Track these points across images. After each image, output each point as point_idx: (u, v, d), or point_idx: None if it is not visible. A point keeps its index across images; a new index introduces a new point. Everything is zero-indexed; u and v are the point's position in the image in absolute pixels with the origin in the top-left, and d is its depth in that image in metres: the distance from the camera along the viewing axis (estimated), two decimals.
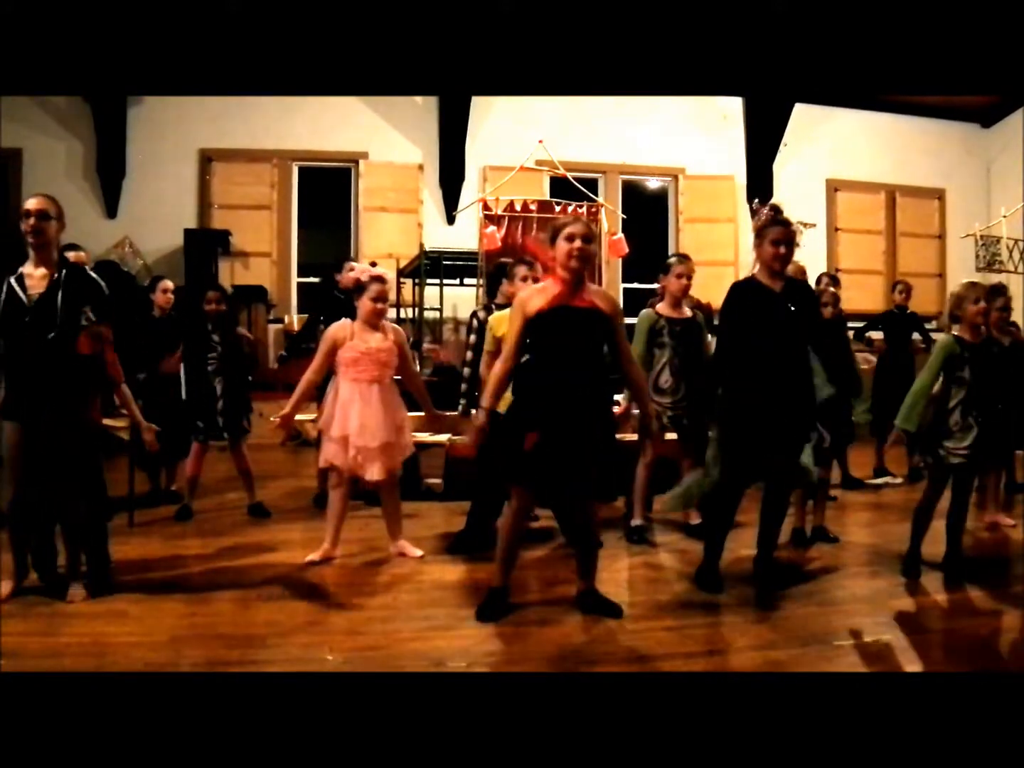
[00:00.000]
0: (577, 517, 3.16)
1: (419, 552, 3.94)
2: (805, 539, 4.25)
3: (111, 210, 9.23)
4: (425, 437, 5.26)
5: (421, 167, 9.83)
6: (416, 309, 8.89)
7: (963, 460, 3.51)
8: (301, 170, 9.88)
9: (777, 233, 3.26)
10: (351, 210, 9.93)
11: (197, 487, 4.82)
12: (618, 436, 3.30)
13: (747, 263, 3.52)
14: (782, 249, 3.25)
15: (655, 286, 4.38)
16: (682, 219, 10.37)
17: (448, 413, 4.41)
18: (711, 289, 5.57)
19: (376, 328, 3.86)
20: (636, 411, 3.40)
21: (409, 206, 9.79)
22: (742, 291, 3.31)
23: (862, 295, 9.40)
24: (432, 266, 8.31)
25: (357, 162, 9.80)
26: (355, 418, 3.71)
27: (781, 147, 10.30)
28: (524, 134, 8.81)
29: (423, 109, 9.83)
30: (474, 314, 4.50)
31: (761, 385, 3.21)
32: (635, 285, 9.95)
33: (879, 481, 6.13)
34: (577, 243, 2.90)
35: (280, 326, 9.40)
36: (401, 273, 8.93)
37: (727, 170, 10.31)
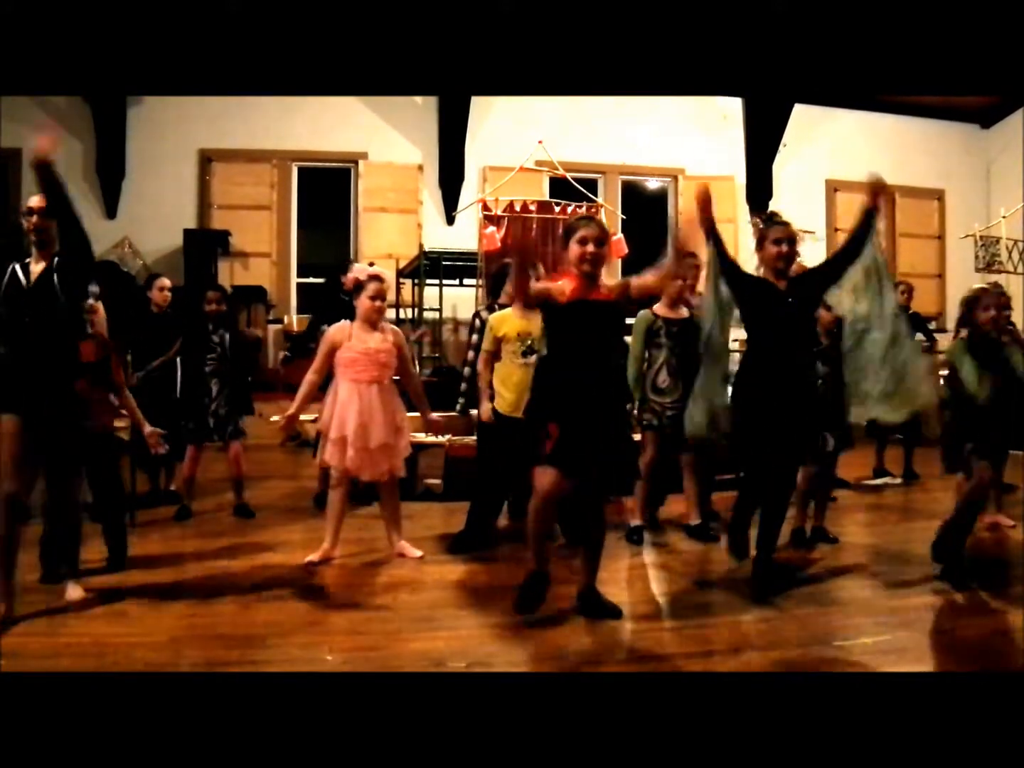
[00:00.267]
0: (590, 512, 3.15)
1: (419, 553, 3.94)
2: (805, 539, 4.25)
3: (111, 210, 9.24)
4: (424, 437, 5.27)
5: (421, 167, 9.84)
6: (416, 310, 8.89)
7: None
8: (301, 170, 9.89)
9: (778, 232, 3.28)
10: (351, 210, 9.94)
11: (194, 487, 4.81)
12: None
13: (746, 263, 3.52)
14: (784, 247, 3.27)
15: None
16: (682, 219, 10.36)
17: (447, 414, 4.42)
18: None
19: (375, 328, 3.86)
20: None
21: (409, 206, 9.79)
22: (750, 285, 3.33)
23: None
24: (432, 266, 8.31)
25: (357, 162, 9.80)
26: (353, 419, 3.71)
27: (781, 147, 10.31)
28: (524, 134, 8.82)
29: (423, 109, 9.83)
30: (477, 314, 4.51)
31: (764, 383, 3.23)
32: None
33: (878, 481, 6.13)
34: (590, 247, 2.91)
35: (280, 326, 9.40)
36: (401, 273, 8.93)
37: (727, 170, 10.31)
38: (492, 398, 4.03)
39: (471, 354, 4.36)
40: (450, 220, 9.75)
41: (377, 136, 9.76)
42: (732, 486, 5.55)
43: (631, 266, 9.72)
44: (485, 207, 7.60)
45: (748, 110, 10.34)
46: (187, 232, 9.03)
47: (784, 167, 10.33)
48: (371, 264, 4.30)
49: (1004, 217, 8.92)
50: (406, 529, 4.09)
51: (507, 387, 3.95)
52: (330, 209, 10.01)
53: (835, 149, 10.57)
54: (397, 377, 4.01)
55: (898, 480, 6.14)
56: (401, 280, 9.03)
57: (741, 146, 10.44)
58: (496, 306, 4.39)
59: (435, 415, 4.10)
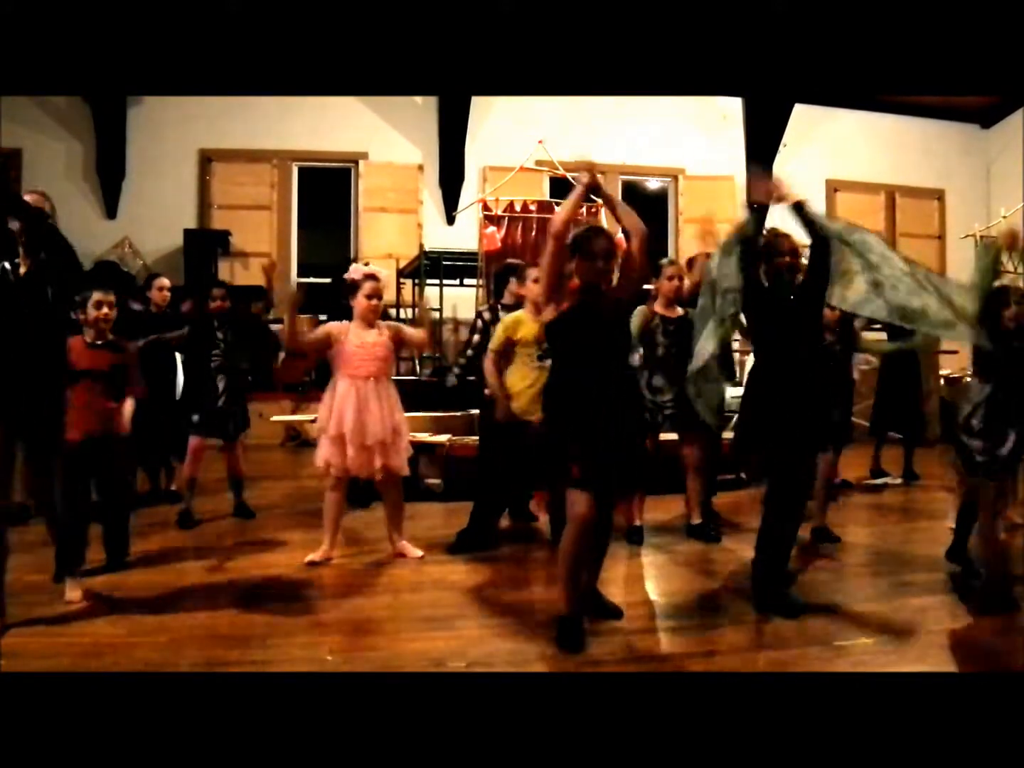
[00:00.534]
0: (601, 516, 3.02)
1: (419, 553, 3.94)
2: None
3: (111, 210, 9.24)
4: (425, 437, 5.28)
5: (421, 167, 9.84)
6: (416, 309, 8.89)
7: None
8: (301, 170, 9.89)
9: (783, 244, 3.30)
10: (351, 210, 9.94)
11: (195, 489, 4.74)
12: None
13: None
14: (789, 259, 3.30)
15: (652, 287, 4.42)
16: (682, 219, 10.38)
17: (447, 414, 4.42)
18: None
19: (372, 326, 3.88)
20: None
21: (409, 206, 9.80)
22: (760, 295, 3.34)
23: None
24: (432, 266, 8.31)
25: (357, 162, 9.81)
26: (351, 415, 3.72)
27: (781, 147, 10.32)
28: (524, 134, 8.83)
29: (423, 109, 9.83)
30: (479, 314, 4.51)
31: (777, 391, 3.23)
32: None
33: (878, 481, 6.14)
34: (599, 263, 2.89)
35: (280, 326, 9.39)
36: (401, 273, 8.93)
37: (727, 170, 10.32)
38: (508, 398, 3.98)
39: (470, 352, 4.36)
40: (450, 220, 9.76)
41: (377, 136, 9.77)
42: (733, 486, 5.59)
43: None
44: (485, 207, 7.60)
45: (748, 110, 10.35)
46: (187, 232, 9.03)
47: (784, 167, 10.33)
48: (367, 264, 4.31)
49: (1004, 217, 8.91)
50: (406, 529, 4.09)
51: (519, 390, 3.92)
52: (330, 209, 10.02)
53: (835, 149, 10.58)
54: (396, 377, 4.02)
55: (898, 480, 6.15)
56: (401, 280, 9.03)
57: (741, 146, 10.45)
58: (499, 306, 4.39)
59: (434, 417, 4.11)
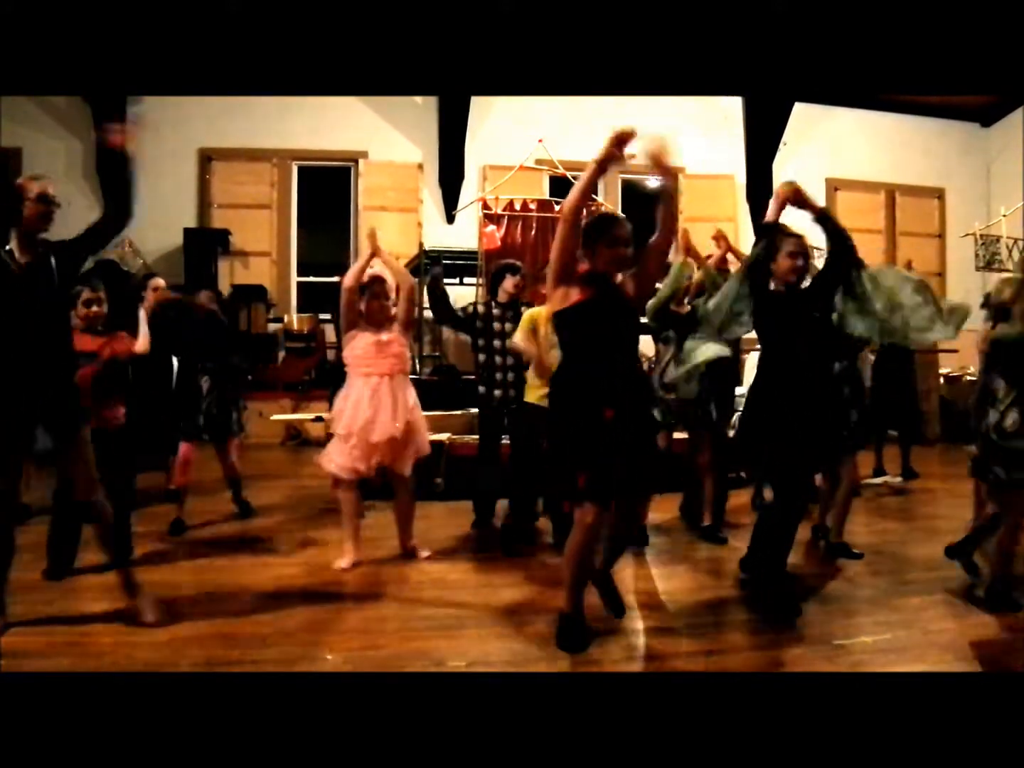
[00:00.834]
0: (627, 512, 3.00)
1: (427, 552, 3.95)
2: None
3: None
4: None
5: (421, 166, 9.83)
6: (416, 308, 8.89)
7: None
8: (301, 169, 9.89)
9: (792, 244, 3.28)
10: (351, 209, 9.94)
11: (187, 496, 4.57)
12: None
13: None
14: (799, 261, 3.28)
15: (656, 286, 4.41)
16: (682, 218, 10.34)
17: (447, 414, 4.42)
18: None
19: (382, 326, 3.88)
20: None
21: (409, 205, 9.79)
22: (766, 301, 3.33)
23: None
24: (432, 265, 8.30)
25: (357, 161, 9.80)
26: (363, 414, 3.70)
27: (781, 146, 10.31)
28: (524, 134, 8.82)
29: (423, 109, 9.83)
30: (474, 304, 4.55)
31: (786, 395, 3.21)
32: None
33: (878, 481, 6.14)
34: (623, 249, 2.85)
35: (280, 325, 9.41)
36: None
37: (727, 169, 10.31)
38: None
39: (445, 308, 4.54)
40: (450, 219, 9.75)
41: (377, 135, 9.76)
42: (734, 485, 5.58)
43: (630, 266, 9.74)
44: (485, 206, 7.60)
45: (748, 110, 10.34)
46: (187, 231, 9.03)
47: (784, 166, 10.33)
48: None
49: (1004, 215, 8.92)
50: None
51: (542, 379, 3.85)
52: (330, 208, 10.01)
53: (835, 148, 10.57)
54: (413, 376, 4.00)
55: (897, 479, 6.15)
56: None
57: (741, 145, 10.44)
58: (493, 303, 4.42)
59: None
